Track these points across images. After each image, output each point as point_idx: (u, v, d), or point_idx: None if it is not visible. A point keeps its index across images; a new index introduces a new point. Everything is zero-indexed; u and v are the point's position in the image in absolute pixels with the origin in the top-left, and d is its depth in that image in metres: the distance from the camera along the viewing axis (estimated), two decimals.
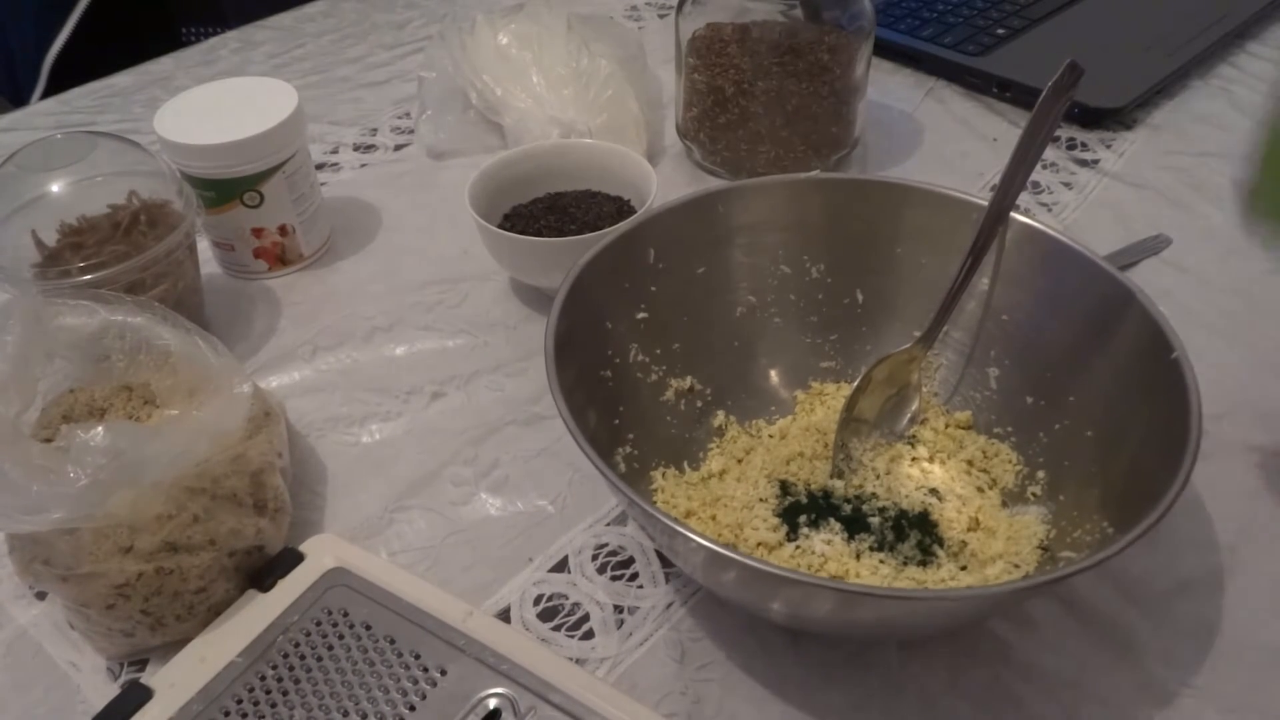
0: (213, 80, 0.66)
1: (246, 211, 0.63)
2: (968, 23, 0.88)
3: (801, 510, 0.47)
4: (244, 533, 0.44)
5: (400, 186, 0.76)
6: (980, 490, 0.48)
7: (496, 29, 0.78)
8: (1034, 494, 0.47)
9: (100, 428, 0.39)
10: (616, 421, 0.48)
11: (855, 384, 0.51)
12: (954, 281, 0.50)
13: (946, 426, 0.51)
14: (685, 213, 0.51)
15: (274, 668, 0.40)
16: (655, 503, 0.47)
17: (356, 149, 0.81)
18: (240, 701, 0.39)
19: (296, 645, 0.41)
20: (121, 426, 0.40)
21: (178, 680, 0.40)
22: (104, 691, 0.43)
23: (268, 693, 0.39)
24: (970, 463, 0.50)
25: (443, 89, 0.79)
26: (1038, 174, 0.73)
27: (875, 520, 0.47)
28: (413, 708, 0.39)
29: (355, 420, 0.56)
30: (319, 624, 0.42)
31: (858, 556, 0.45)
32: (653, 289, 0.51)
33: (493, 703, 0.39)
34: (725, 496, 0.48)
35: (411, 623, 0.41)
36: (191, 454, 0.42)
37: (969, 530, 0.47)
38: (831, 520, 0.47)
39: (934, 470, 0.50)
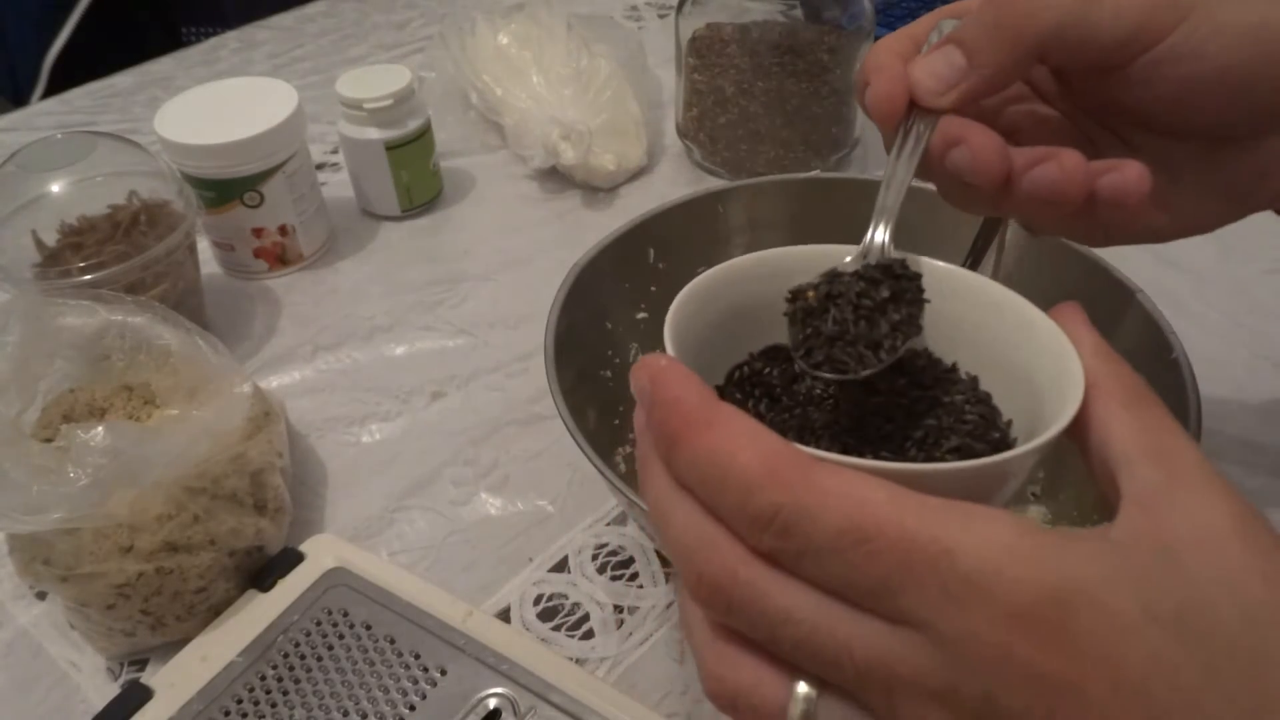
0: (213, 80, 0.66)
1: (246, 211, 0.63)
2: None
3: None
4: (244, 533, 0.44)
5: None
6: None
7: (496, 29, 0.78)
8: (1034, 494, 0.47)
9: (100, 428, 0.39)
10: (616, 421, 0.48)
11: None
12: None
13: None
14: (685, 213, 0.51)
15: (274, 668, 0.40)
16: None
17: None
18: (240, 701, 0.39)
19: (296, 645, 0.41)
20: (121, 426, 0.40)
21: (178, 680, 0.40)
22: (104, 691, 0.43)
23: (268, 693, 0.40)
24: None
25: (443, 89, 0.79)
26: None
27: None
28: (413, 708, 0.39)
29: (355, 420, 0.56)
30: (319, 624, 0.42)
31: None
32: (653, 289, 0.51)
33: (493, 703, 0.39)
34: None
35: (411, 623, 0.41)
36: (191, 454, 0.42)
37: None
38: None
39: None
